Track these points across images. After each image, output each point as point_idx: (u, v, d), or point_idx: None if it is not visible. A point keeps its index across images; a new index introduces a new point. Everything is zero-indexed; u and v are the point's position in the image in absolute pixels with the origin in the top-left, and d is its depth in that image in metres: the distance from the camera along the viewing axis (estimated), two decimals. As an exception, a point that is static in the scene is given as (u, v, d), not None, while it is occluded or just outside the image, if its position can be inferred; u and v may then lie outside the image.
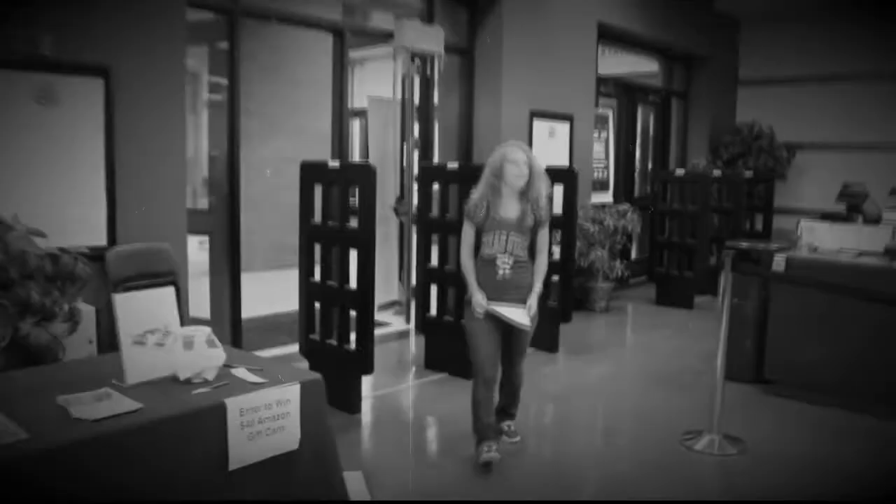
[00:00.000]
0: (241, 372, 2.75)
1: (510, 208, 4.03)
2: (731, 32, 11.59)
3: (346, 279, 4.92)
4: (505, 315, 3.93)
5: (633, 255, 10.04)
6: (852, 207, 6.55)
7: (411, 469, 4.25)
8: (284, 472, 2.63)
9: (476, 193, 4.10)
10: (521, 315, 3.95)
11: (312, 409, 2.72)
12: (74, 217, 4.51)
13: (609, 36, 9.07)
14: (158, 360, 2.66)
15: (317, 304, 5.10)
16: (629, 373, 6.16)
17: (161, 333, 2.70)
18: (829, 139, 10.92)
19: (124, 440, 2.27)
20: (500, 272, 3.97)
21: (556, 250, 6.22)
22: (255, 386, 2.62)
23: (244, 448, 2.50)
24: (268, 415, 2.56)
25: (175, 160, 5.01)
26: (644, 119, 10.85)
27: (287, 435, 2.62)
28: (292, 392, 2.64)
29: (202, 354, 2.66)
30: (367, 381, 5.14)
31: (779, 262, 5.27)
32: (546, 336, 6.27)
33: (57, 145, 4.44)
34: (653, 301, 8.89)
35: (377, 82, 9.12)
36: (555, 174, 6.25)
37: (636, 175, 10.51)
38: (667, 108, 11.05)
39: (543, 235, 4.11)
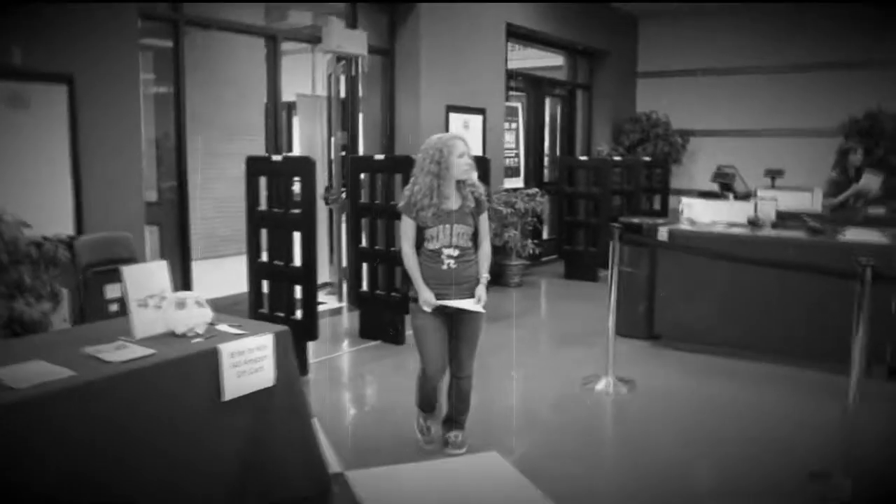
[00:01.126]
0: (223, 327, 3.43)
1: (451, 199, 3.92)
2: (629, 28, 12.59)
3: (291, 258, 5.60)
4: (459, 305, 3.92)
5: (545, 235, 10.92)
6: (724, 186, 7.54)
7: (353, 415, 4.99)
8: (265, 402, 3.33)
9: (415, 188, 3.94)
10: (471, 304, 3.95)
11: (283, 353, 3.41)
12: (45, 208, 5.04)
13: (517, 35, 9.90)
14: (158, 318, 3.31)
15: (264, 282, 5.76)
16: (539, 334, 7.01)
17: (158, 297, 3.35)
18: (718, 126, 12.06)
19: (144, 377, 2.93)
20: (446, 264, 3.92)
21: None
22: (239, 336, 3.31)
23: (234, 383, 3.18)
24: (250, 357, 3.24)
25: (132, 156, 5.59)
26: (552, 110, 11.76)
27: (265, 373, 3.31)
28: (268, 340, 3.33)
29: (193, 313, 3.33)
30: (310, 348, 5.82)
31: (662, 234, 6.17)
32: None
33: (28, 144, 4.97)
34: (562, 276, 9.79)
35: (296, 75, 9.72)
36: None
37: (545, 161, 11.40)
38: (572, 99, 11.99)
39: (484, 222, 4.06)
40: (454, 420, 4.30)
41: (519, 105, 10.29)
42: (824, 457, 4.09)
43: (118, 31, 5.41)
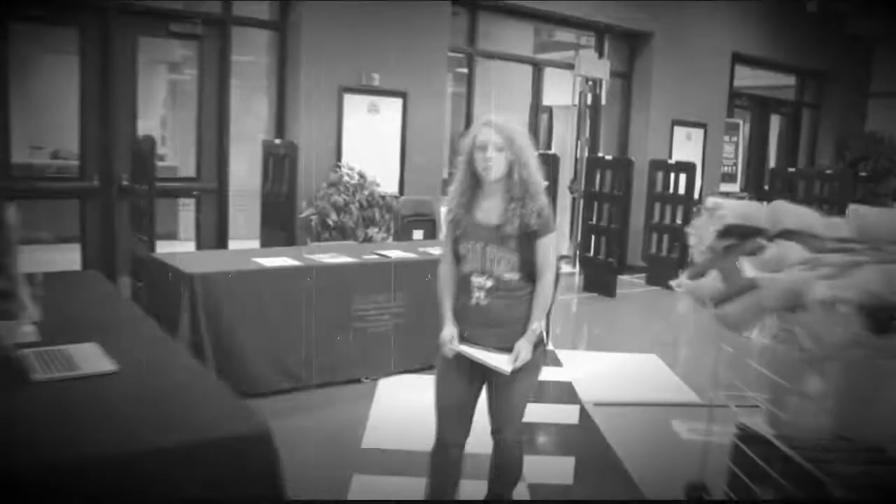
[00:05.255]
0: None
1: (491, 209, 2.91)
2: (863, 51, 13.63)
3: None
4: (479, 358, 2.88)
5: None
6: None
7: (569, 327, 7.34)
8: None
9: (451, 186, 3.03)
10: (501, 361, 2.86)
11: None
12: (384, 176, 7.75)
13: (744, 60, 11.61)
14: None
15: (517, 239, 8.22)
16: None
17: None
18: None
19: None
20: (474, 297, 2.90)
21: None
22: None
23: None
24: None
25: (437, 146, 8.27)
26: (779, 126, 13.24)
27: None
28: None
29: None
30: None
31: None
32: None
33: (378, 137, 7.77)
34: (767, 269, 11.41)
35: (553, 83, 12.04)
36: (681, 167, 9.10)
37: (766, 171, 12.94)
38: (798, 116, 13.37)
39: (545, 248, 2.89)
40: (492, 495, 3.21)
41: (740, 121, 11.99)
42: None
43: (435, 61, 8.09)
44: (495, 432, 3.04)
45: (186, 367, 2.80)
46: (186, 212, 9.85)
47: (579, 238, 10.07)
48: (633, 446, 3.99)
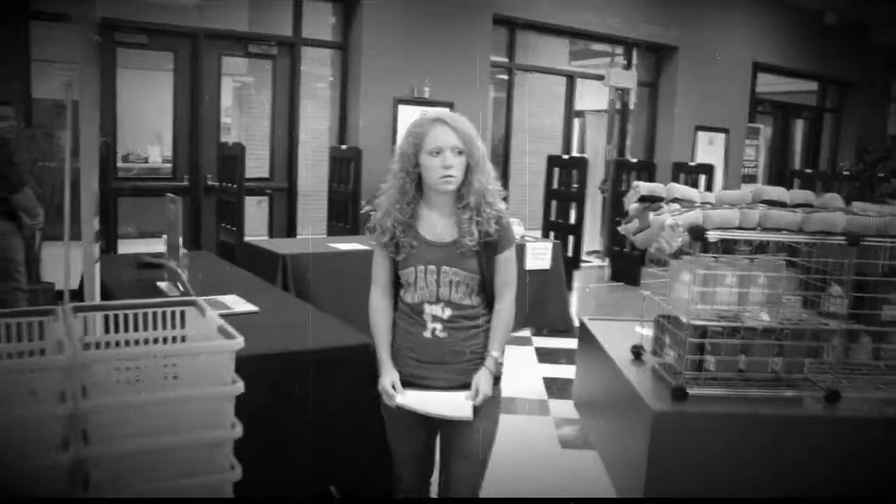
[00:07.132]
0: (529, 237, 6.84)
1: (441, 224, 2.51)
2: (883, 60, 14.32)
3: (568, 218, 8.96)
4: (431, 411, 2.49)
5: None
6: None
7: (593, 304, 8.27)
8: (544, 276, 6.70)
9: (382, 200, 2.58)
10: (459, 404, 2.49)
11: (556, 254, 6.77)
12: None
13: (765, 69, 12.43)
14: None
15: (551, 233, 9.18)
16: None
17: (498, 219, 6.87)
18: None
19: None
20: (429, 329, 2.51)
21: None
22: (535, 240, 6.71)
23: (531, 262, 6.59)
24: (539, 251, 6.63)
25: (479, 151, 9.25)
26: (802, 129, 14.01)
27: (545, 261, 6.69)
28: (549, 245, 6.73)
29: (515, 229, 6.81)
30: (575, 277, 9.14)
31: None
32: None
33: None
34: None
35: (586, 88, 12.95)
36: (700, 168, 10.00)
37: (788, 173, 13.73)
38: (819, 121, 14.13)
39: (506, 263, 2.56)
40: None
41: (761, 126, 12.81)
42: None
43: (478, 74, 9.09)
44: (444, 485, 2.64)
45: (302, 307, 3.88)
46: (253, 209, 10.96)
47: (608, 233, 11.02)
48: (610, 339, 5.12)
